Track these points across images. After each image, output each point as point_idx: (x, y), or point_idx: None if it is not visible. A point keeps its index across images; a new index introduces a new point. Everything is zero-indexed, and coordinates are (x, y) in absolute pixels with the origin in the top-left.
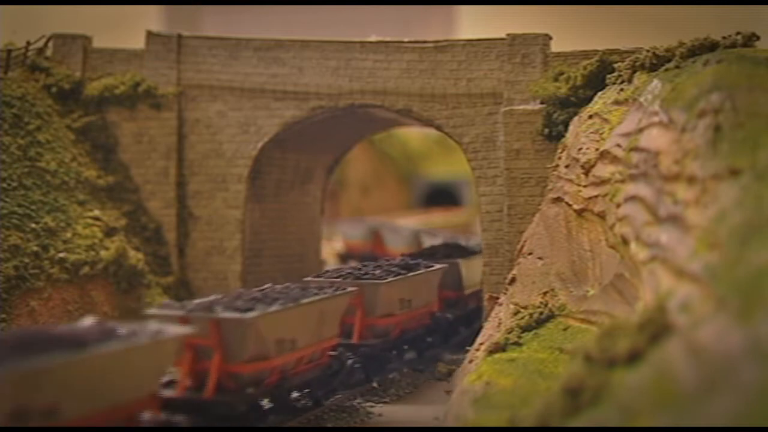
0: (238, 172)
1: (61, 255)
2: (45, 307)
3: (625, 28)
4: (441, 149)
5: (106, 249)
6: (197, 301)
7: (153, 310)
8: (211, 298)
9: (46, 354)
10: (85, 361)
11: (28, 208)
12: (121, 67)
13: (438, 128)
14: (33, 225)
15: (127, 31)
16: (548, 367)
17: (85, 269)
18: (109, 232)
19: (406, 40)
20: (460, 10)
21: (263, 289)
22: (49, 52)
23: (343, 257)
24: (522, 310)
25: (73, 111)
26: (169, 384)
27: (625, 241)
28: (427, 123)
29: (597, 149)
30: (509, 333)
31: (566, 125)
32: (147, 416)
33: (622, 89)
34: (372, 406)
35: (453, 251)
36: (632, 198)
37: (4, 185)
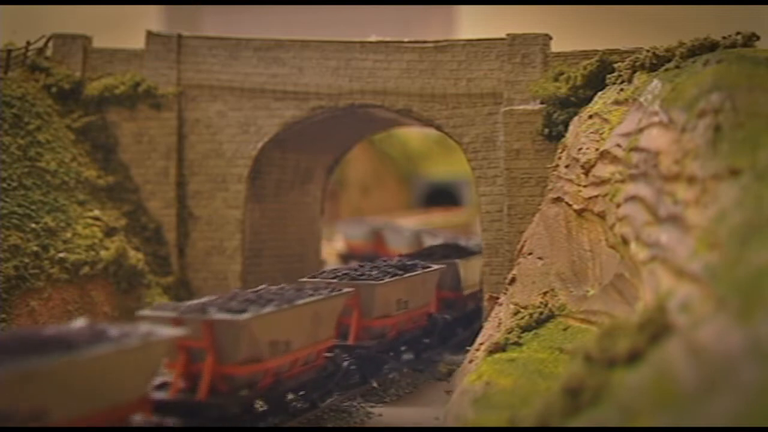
0: (238, 172)
1: (61, 255)
2: (45, 307)
3: (625, 28)
4: (441, 149)
5: (106, 249)
6: (190, 302)
7: (145, 312)
8: (205, 299)
9: (34, 356)
10: (74, 364)
11: (28, 208)
12: (121, 67)
13: (438, 128)
14: (33, 225)
15: (127, 31)
16: (548, 367)
17: (85, 269)
18: (109, 232)
19: (406, 40)
20: (460, 10)
21: (258, 291)
22: (49, 52)
23: (345, 257)
24: (522, 310)
25: (73, 111)
26: (162, 386)
27: (625, 241)
28: (427, 123)
29: (597, 149)
30: (509, 333)
31: (566, 125)
32: (138, 419)
33: (622, 89)
34: (372, 406)
35: (451, 252)
36: (632, 198)
37: (4, 185)
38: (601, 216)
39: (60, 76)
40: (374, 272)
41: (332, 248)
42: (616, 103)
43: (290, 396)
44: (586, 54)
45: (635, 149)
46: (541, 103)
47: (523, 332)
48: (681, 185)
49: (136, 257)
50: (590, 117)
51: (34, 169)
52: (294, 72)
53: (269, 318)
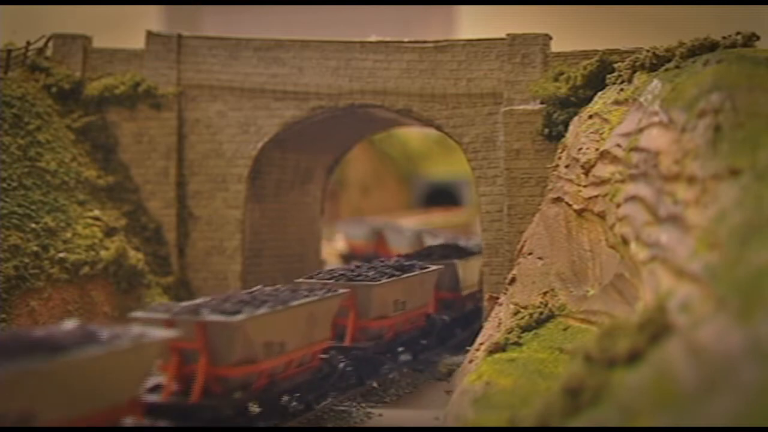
0: (238, 172)
1: (61, 255)
2: (45, 307)
3: (625, 28)
4: (441, 149)
5: (106, 249)
6: (184, 303)
7: (138, 313)
8: (199, 300)
9: (23, 359)
10: (62, 367)
11: (28, 208)
12: (121, 67)
13: (438, 128)
14: (33, 225)
15: (127, 31)
16: (548, 367)
17: (85, 269)
18: (109, 232)
19: (406, 40)
20: (460, 10)
21: (252, 292)
22: (49, 52)
23: (347, 258)
24: (522, 310)
25: (73, 111)
26: (155, 388)
27: (625, 241)
28: (427, 123)
29: (597, 149)
30: (509, 333)
31: (566, 125)
32: (129, 422)
33: (622, 89)
34: (372, 407)
35: (450, 252)
36: (632, 198)
37: (4, 185)
38: (601, 216)
39: (60, 76)
40: (371, 273)
41: (333, 248)
42: (616, 103)
43: (285, 398)
44: (586, 54)
45: (635, 149)
46: (541, 103)
47: (523, 332)
48: (681, 185)
49: (136, 257)
50: (590, 117)
51: (34, 169)
52: (294, 72)
53: (263, 319)
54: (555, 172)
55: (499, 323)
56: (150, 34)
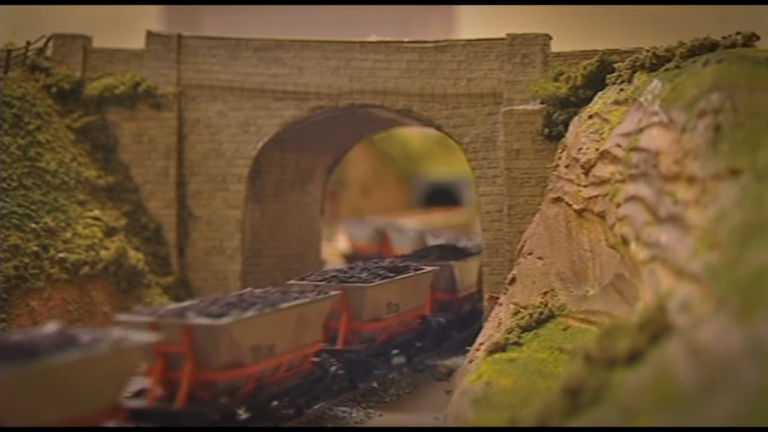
0: (238, 172)
1: (61, 255)
2: (45, 307)
3: (625, 28)
4: (441, 149)
5: (106, 249)
6: (170, 306)
7: (122, 316)
8: (186, 303)
9: None
10: (36, 372)
11: (28, 208)
12: (121, 67)
13: (438, 128)
14: (33, 225)
15: (127, 31)
16: (548, 367)
17: (85, 269)
18: (109, 232)
19: (406, 40)
20: (460, 10)
21: (241, 294)
22: (49, 52)
23: (350, 258)
24: (522, 310)
25: (73, 111)
26: (140, 393)
27: (625, 241)
28: (427, 123)
29: (597, 149)
30: (509, 333)
31: (566, 125)
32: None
33: (622, 89)
34: (371, 407)
35: (447, 253)
36: (632, 198)
37: (4, 185)
38: (601, 216)
39: (60, 76)
40: (364, 274)
41: (333, 248)
42: (616, 103)
43: (275, 402)
44: (586, 54)
45: (635, 149)
46: (541, 103)
47: (523, 332)
48: (681, 185)
49: (136, 257)
50: (590, 117)
51: (34, 169)
52: (294, 72)
53: (251, 322)
54: (555, 172)
55: (499, 323)
56: (150, 34)
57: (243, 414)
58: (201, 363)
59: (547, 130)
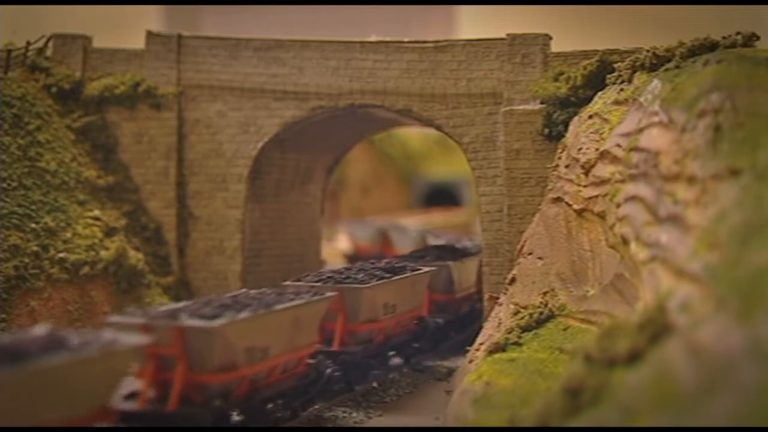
0: (238, 172)
1: (61, 255)
2: (45, 307)
3: (625, 28)
4: (441, 149)
5: (106, 249)
6: (163, 307)
7: (114, 318)
8: (180, 304)
9: None
10: (24, 375)
11: (28, 208)
12: (121, 67)
13: (438, 128)
14: (33, 225)
15: (127, 31)
16: (548, 367)
17: (85, 269)
18: (109, 232)
19: (406, 40)
20: (460, 10)
21: (236, 295)
22: (49, 52)
23: (352, 258)
24: (522, 310)
25: (73, 111)
26: (132, 395)
27: (625, 241)
28: (427, 123)
29: (597, 149)
30: (509, 333)
31: (566, 125)
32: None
33: (622, 89)
34: (370, 407)
35: (444, 253)
36: (632, 198)
37: (4, 185)
38: (601, 216)
39: (60, 76)
40: (360, 275)
41: (334, 248)
42: (616, 103)
43: (271, 405)
44: (586, 54)
45: (635, 149)
46: (541, 103)
47: (523, 332)
48: (681, 185)
49: (136, 257)
50: (590, 117)
51: (34, 169)
52: (294, 72)
53: (244, 324)
54: (555, 172)
55: (499, 323)
56: (150, 34)
57: (237, 416)
58: (194, 365)
59: (547, 130)
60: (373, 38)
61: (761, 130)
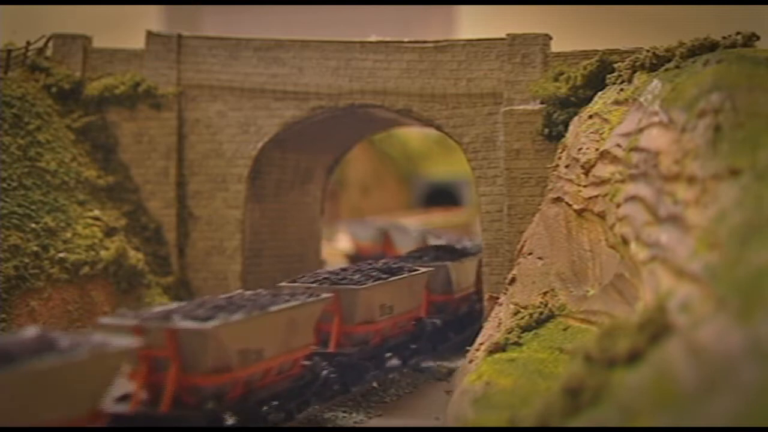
0: (238, 172)
1: (61, 255)
2: (45, 307)
3: (625, 28)
4: (441, 149)
5: (106, 249)
6: (156, 309)
7: (106, 319)
8: (174, 305)
9: None
10: (11, 378)
11: (28, 208)
12: (121, 67)
13: (438, 128)
14: (33, 225)
15: (127, 31)
16: (548, 367)
17: (85, 269)
18: (109, 232)
19: (406, 40)
20: (460, 10)
21: (230, 296)
22: (49, 52)
23: (353, 258)
24: (522, 310)
25: (73, 111)
26: (124, 398)
27: (625, 241)
28: (427, 123)
29: (597, 149)
30: (509, 333)
31: (566, 125)
32: None
33: (622, 89)
34: (370, 407)
35: (443, 253)
36: (632, 198)
37: (4, 185)
38: (601, 216)
39: (60, 76)
40: (356, 276)
41: (335, 248)
42: (616, 103)
43: (265, 407)
44: (586, 54)
45: (635, 149)
46: (541, 103)
47: (523, 332)
48: (681, 185)
49: (136, 257)
50: (590, 117)
51: (34, 169)
52: (294, 72)
53: (238, 326)
54: (555, 172)
55: (499, 323)
56: (150, 34)
57: (231, 418)
58: (186, 367)
59: (547, 130)
60: (373, 38)
61: (761, 130)
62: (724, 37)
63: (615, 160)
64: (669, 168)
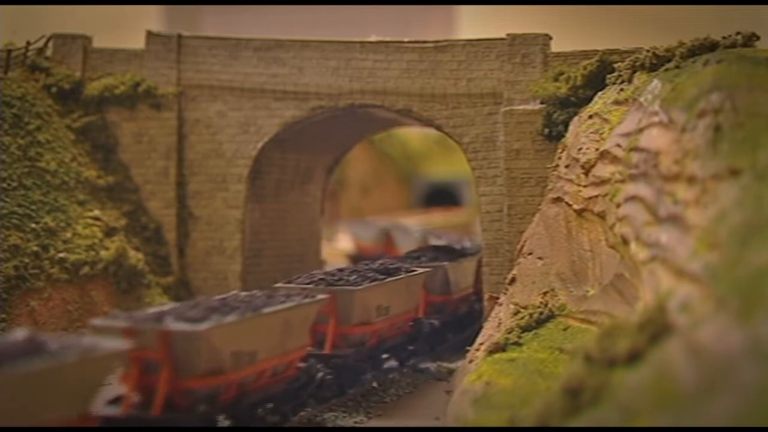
0: (238, 172)
1: (61, 255)
2: (45, 307)
3: (625, 28)
4: (441, 149)
5: (106, 249)
6: (150, 310)
7: (97, 321)
8: (167, 307)
9: None
10: None
11: (28, 208)
12: (121, 67)
13: (438, 128)
14: (33, 225)
15: (127, 31)
16: (548, 367)
17: (85, 269)
18: (109, 232)
19: (406, 40)
20: (460, 10)
21: (224, 298)
22: (49, 52)
23: (355, 258)
24: (522, 310)
25: (73, 111)
26: (116, 400)
27: (625, 241)
28: (427, 123)
29: (597, 149)
30: (509, 333)
31: (566, 125)
32: None
33: (622, 89)
34: (370, 407)
35: (441, 254)
36: (632, 198)
37: (4, 185)
38: (601, 216)
39: (60, 76)
40: (353, 277)
41: (335, 248)
42: (616, 103)
43: (260, 409)
44: (586, 54)
45: (635, 149)
46: (541, 103)
47: (523, 332)
48: (681, 185)
49: (136, 257)
50: (590, 117)
51: (34, 169)
52: (294, 72)
53: (231, 328)
54: (555, 172)
55: (499, 323)
56: (150, 34)
57: (225, 421)
58: (179, 370)
59: (547, 130)
60: (373, 38)
61: (761, 130)
62: (724, 37)
63: (615, 160)
64: (669, 168)
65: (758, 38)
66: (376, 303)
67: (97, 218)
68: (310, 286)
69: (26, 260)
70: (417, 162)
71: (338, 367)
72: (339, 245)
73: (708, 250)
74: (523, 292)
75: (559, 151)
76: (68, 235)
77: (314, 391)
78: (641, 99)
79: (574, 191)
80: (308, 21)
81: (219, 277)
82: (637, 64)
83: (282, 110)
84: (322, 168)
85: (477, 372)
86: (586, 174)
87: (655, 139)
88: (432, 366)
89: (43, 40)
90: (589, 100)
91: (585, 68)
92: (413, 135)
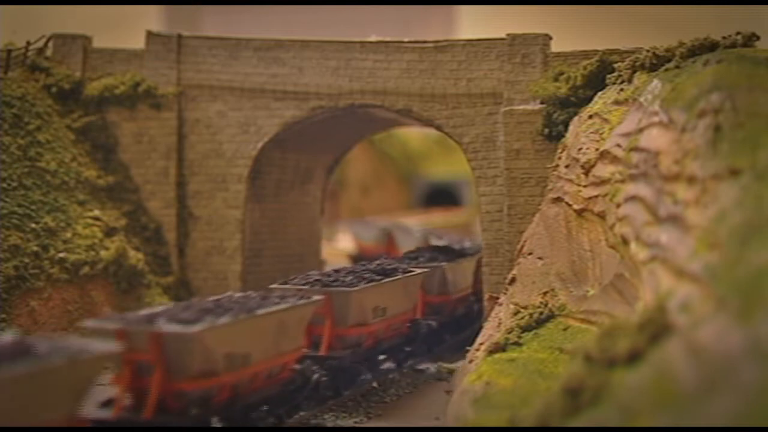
0: (238, 172)
1: (61, 255)
2: (45, 307)
3: (625, 28)
4: (441, 149)
5: (106, 249)
6: (142, 312)
7: (89, 323)
8: (159, 308)
9: None
10: None
11: (28, 208)
12: (121, 67)
13: (438, 128)
14: (33, 225)
15: (127, 31)
16: (548, 367)
17: (85, 269)
18: (109, 232)
19: (406, 40)
20: (460, 10)
21: (219, 299)
22: (49, 52)
23: (356, 258)
24: (522, 310)
25: (73, 111)
26: (107, 403)
27: (625, 241)
28: (427, 123)
29: (597, 149)
30: (509, 333)
31: (566, 125)
32: None
33: (622, 89)
34: (370, 407)
35: (439, 254)
36: (632, 198)
37: (4, 185)
38: (601, 216)
39: (60, 76)
40: (349, 278)
41: (336, 248)
42: (616, 103)
43: (254, 412)
44: (586, 54)
45: (635, 149)
46: (541, 103)
47: (523, 332)
48: (681, 185)
49: (136, 257)
50: (590, 117)
51: (34, 169)
52: (294, 72)
53: (224, 329)
54: (555, 172)
55: (499, 323)
56: (150, 34)
57: (218, 423)
58: (171, 372)
59: (547, 130)
60: (373, 38)
61: (761, 130)
62: (724, 37)
63: (615, 160)
64: (669, 168)
65: (758, 38)
66: (373, 304)
67: (97, 218)
68: (306, 287)
69: (26, 260)
70: (417, 162)
71: (334, 369)
72: (340, 245)
73: (708, 250)
74: (523, 292)
75: (559, 151)
76: (68, 235)
77: (310, 393)
78: (641, 99)
79: (574, 191)
80: (308, 21)
81: (219, 277)
82: (637, 64)
83: (282, 110)
84: (322, 168)
85: (477, 372)
86: (586, 174)
87: (655, 139)
88: (432, 366)
89: (43, 40)
90: (589, 100)
91: (585, 68)
92: (413, 135)
